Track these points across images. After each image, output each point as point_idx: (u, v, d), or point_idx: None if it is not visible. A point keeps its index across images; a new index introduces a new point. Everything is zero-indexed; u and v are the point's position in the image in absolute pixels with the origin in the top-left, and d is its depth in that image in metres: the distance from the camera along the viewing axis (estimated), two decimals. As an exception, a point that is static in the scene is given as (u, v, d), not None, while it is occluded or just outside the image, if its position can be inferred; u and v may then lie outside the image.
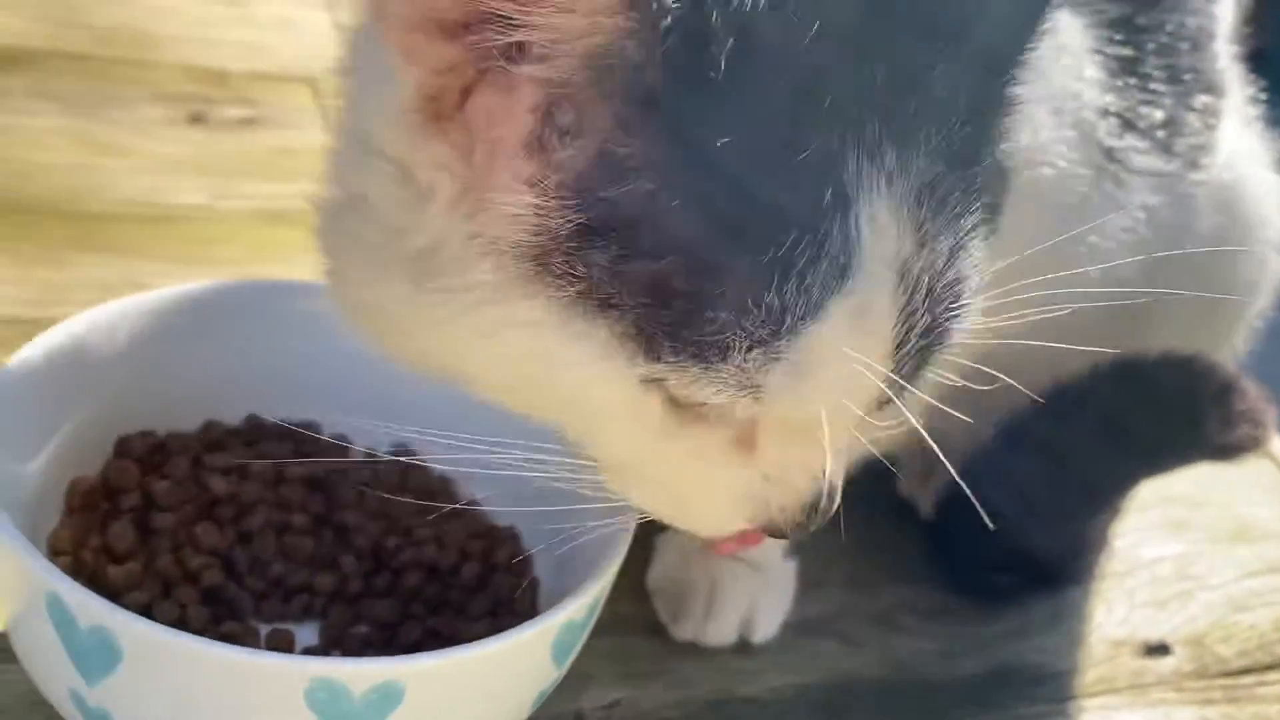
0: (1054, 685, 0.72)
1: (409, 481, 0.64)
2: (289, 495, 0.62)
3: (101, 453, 0.58)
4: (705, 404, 0.41)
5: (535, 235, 0.39)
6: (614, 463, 0.46)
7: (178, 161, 0.96)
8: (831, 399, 0.40)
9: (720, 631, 0.68)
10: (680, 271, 0.38)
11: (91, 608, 0.43)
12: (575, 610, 0.50)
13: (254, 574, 0.59)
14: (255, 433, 0.63)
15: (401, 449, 0.65)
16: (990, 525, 0.70)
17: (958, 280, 0.41)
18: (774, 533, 0.47)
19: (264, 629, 0.58)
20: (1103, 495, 0.72)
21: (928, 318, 0.41)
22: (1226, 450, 0.71)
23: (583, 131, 0.39)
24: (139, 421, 0.60)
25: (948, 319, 0.42)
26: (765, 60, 0.37)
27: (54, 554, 0.54)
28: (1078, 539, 0.74)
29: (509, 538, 0.63)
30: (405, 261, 0.42)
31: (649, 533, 0.71)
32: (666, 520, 0.49)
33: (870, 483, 0.75)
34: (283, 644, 0.56)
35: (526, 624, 0.48)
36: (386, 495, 0.62)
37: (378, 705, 0.44)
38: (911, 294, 0.40)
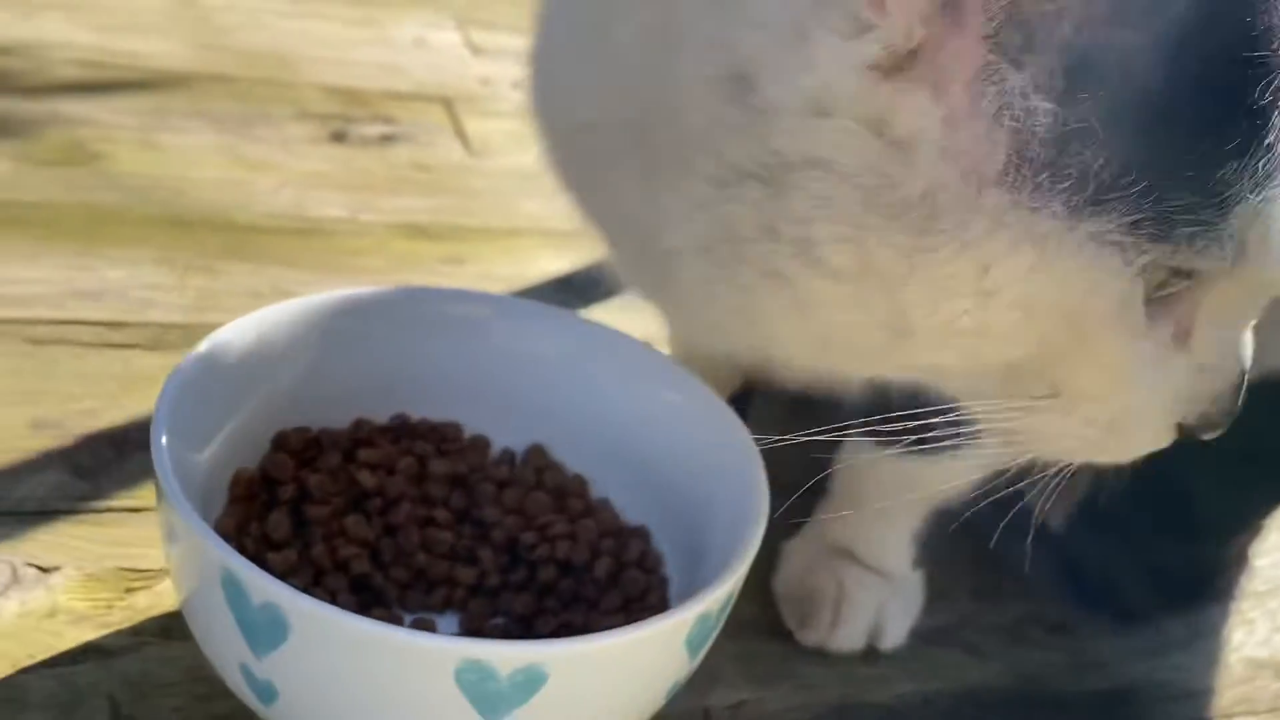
0: (1189, 704, 0.71)
1: (544, 480, 0.66)
2: (432, 491, 0.64)
3: (261, 447, 0.62)
4: (1182, 285, 0.44)
5: (1019, 155, 0.41)
6: (1075, 389, 0.46)
7: (320, 177, 1.00)
8: None
9: (848, 638, 0.68)
10: (1180, 140, 0.40)
11: (263, 585, 0.46)
12: (710, 603, 0.51)
13: (398, 565, 0.62)
14: (401, 430, 0.66)
15: (536, 449, 0.67)
16: (1123, 543, 0.71)
17: None
18: (1205, 427, 0.48)
19: (407, 618, 0.60)
20: (1240, 516, 0.71)
21: None
22: None
23: (1035, 46, 0.40)
24: (295, 418, 0.63)
25: None
26: None
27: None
28: (1214, 559, 0.72)
29: (639, 535, 0.65)
30: (898, 213, 0.42)
31: (774, 539, 0.72)
32: (1089, 457, 0.50)
33: (999, 495, 0.77)
34: (425, 631, 0.59)
35: (665, 614, 0.49)
36: (523, 492, 0.65)
37: (522, 687, 0.46)
38: None
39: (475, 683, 0.46)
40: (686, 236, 0.49)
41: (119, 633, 0.59)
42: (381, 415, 0.67)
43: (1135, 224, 0.42)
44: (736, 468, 0.60)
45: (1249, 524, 0.72)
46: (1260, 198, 0.42)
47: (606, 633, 0.48)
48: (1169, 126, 0.41)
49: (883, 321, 0.45)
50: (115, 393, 0.73)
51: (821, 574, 0.69)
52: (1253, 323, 0.49)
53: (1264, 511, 0.72)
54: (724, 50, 0.44)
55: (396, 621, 0.59)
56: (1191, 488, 0.70)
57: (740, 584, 0.55)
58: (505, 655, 0.45)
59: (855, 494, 0.70)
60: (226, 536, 0.56)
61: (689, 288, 0.51)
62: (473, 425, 0.68)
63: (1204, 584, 0.74)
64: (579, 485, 0.67)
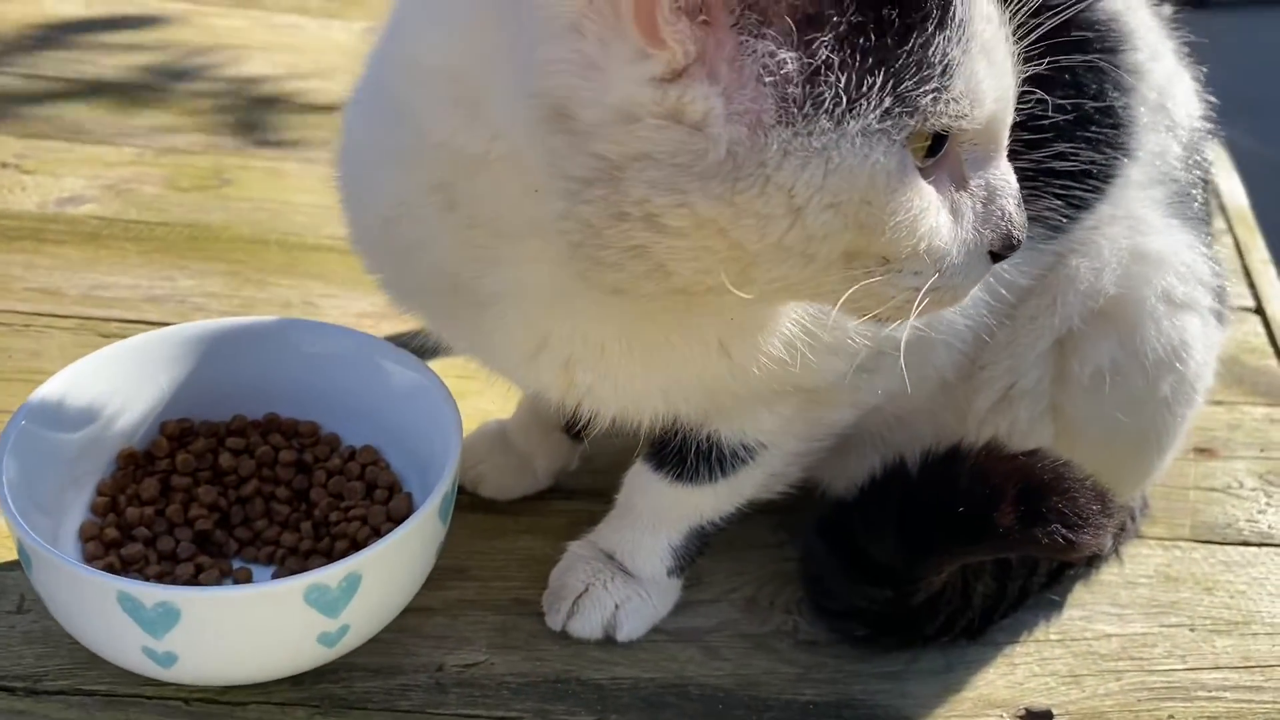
0: (889, 728, 0.79)
1: (365, 473, 0.86)
2: (279, 473, 0.86)
3: (150, 432, 0.86)
4: (943, 141, 0.57)
5: (783, 98, 0.53)
6: (897, 254, 0.57)
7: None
8: (1001, 91, 0.58)
9: (582, 627, 0.82)
10: (893, 39, 0.54)
11: (21, 533, 0.70)
12: (324, 577, 0.69)
13: (242, 526, 0.84)
14: (270, 426, 0.88)
15: (367, 448, 0.87)
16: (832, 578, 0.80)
17: None
18: (1009, 244, 0.61)
19: (236, 564, 0.82)
20: (905, 568, 0.77)
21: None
22: (1026, 547, 0.73)
23: (769, 19, 0.53)
24: (181, 411, 0.87)
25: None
26: None
27: (98, 494, 0.82)
28: (905, 604, 0.79)
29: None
30: (713, 173, 0.54)
31: (568, 536, 0.87)
32: (933, 308, 0.61)
33: (808, 515, 0.87)
34: (240, 577, 0.81)
35: (279, 580, 0.68)
36: (344, 481, 0.85)
37: (164, 617, 0.67)
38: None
39: (132, 609, 0.67)
40: (540, 256, 0.62)
41: (52, 551, 0.86)
42: (258, 414, 0.89)
43: (886, 111, 0.54)
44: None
45: (918, 575, 0.77)
46: (965, 54, 0.55)
47: (225, 587, 0.67)
48: (881, 33, 0.54)
49: (726, 257, 0.57)
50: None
51: (579, 572, 0.84)
52: (1004, 151, 0.61)
53: (925, 568, 0.77)
54: (535, 97, 0.55)
55: (225, 568, 0.81)
56: (863, 537, 0.78)
57: (364, 569, 0.71)
58: (146, 592, 0.66)
59: (628, 507, 0.84)
60: (104, 494, 0.81)
61: (514, 321, 0.67)
62: (329, 426, 0.89)
63: (893, 624, 0.80)
64: (390, 479, 0.86)
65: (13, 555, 0.84)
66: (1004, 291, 0.73)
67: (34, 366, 1.02)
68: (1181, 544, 0.93)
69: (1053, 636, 0.86)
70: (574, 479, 0.95)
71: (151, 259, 1.16)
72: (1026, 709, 0.81)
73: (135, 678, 0.76)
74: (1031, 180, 0.68)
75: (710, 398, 0.72)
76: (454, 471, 0.76)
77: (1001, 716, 0.80)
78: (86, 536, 0.80)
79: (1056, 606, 0.87)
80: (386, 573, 0.73)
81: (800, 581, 0.85)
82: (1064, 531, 0.70)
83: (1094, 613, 0.87)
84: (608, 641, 0.83)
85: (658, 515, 0.83)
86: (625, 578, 0.83)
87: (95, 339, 1.06)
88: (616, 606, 0.83)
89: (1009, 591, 0.81)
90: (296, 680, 0.77)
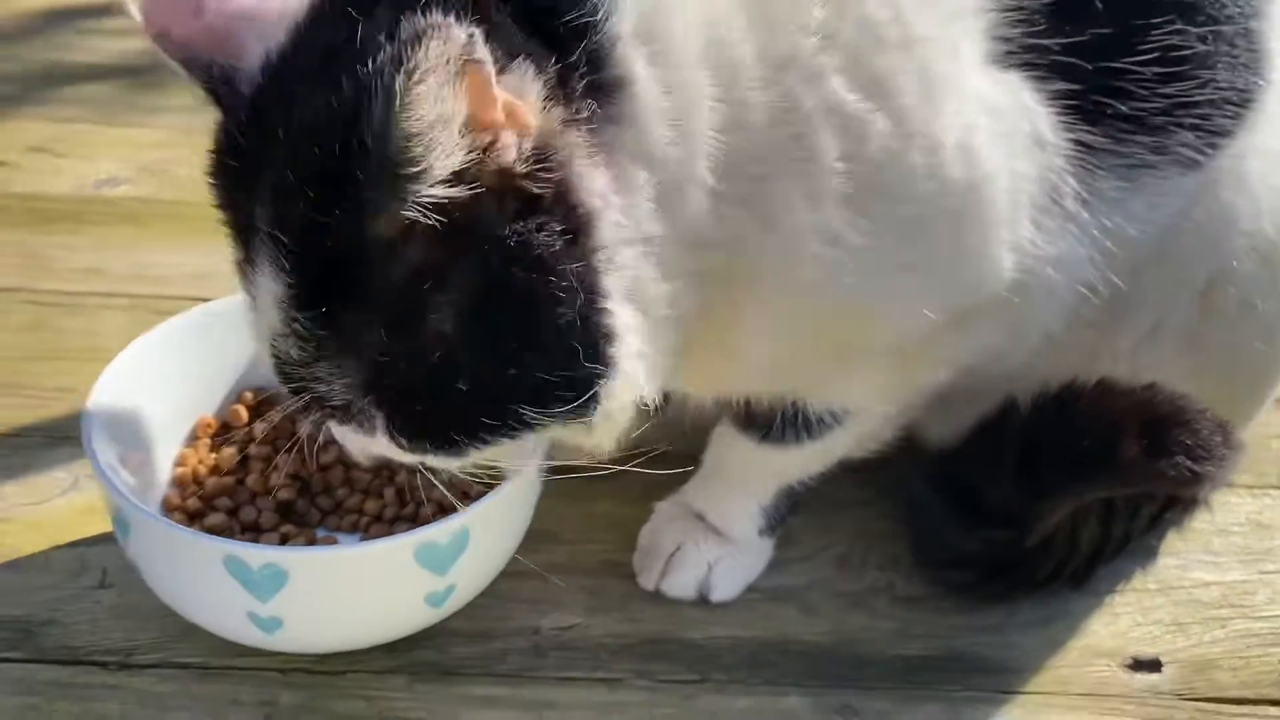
0: (999, 678, 0.78)
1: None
2: (358, 441, 0.84)
3: (227, 401, 0.84)
4: None
5: None
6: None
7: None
8: None
9: (676, 586, 0.81)
10: None
11: (122, 504, 0.68)
12: (435, 534, 0.67)
13: (324, 495, 0.82)
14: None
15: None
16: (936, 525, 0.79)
17: None
18: None
19: (320, 533, 0.80)
20: (1023, 509, 0.76)
21: None
22: (1150, 481, 0.72)
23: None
24: (257, 381, 0.85)
25: None
26: None
27: (177, 465, 0.80)
28: (1008, 547, 0.77)
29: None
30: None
31: (659, 496, 0.85)
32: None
33: (898, 471, 0.85)
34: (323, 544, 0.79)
35: (391, 538, 0.66)
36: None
37: (271, 579, 0.65)
38: None
39: (239, 570, 0.65)
40: None
41: (128, 527, 0.84)
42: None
43: None
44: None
45: (1036, 516, 0.76)
46: None
47: (336, 546, 0.65)
48: None
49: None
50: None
51: (670, 531, 0.82)
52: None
53: (1043, 509, 0.76)
54: None
55: (310, 536, 0.79)
56: (978, 480, 0.76)
57: (473, 525, 0.69)
58: (253, 553, 0.64)
59: (717, 468, 0.82)
60: (185, 466, 0.78)
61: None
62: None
63: (1009, 568, 0.79)
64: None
65: (90, 531, 0.83)
66: (1136, 234, 0.69)
67: (92, 345, 0.99)
68: (1271, 492, 0.92)
69: (1151, 585, 0.84)
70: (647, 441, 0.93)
71: (196, 238, 1.13)
72: (1134, 658, 0.79)
73: (229, 649, 0.74)
74: (1164, 114, 0.66)
75: (805, 374, 0.71)
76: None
77: (1109, 665, 0.79)
78: (170, 508, 0.78)
79: (1151, 555, 0.86)
80: (494, 529, 0.71)
81: (903, 534, 0.84)
82: (1188, 464, 0.69)
83: (1189, 561, 0.86)
84: (701, 602, 0.81)
85: (746, 476, 0.81)
86: (717, 537, 0.82)
87: (150, 316, 1.03)
88: (710, 566, 0.81)
89: (1113, 536, 0.80)
90: (390, 648, 0.75)
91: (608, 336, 0.57)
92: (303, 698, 0.73)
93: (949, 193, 0.62)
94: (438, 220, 0.52)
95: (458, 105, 0.49)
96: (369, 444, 0.62)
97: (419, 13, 0.49)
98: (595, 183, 0.55)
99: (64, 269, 1.08)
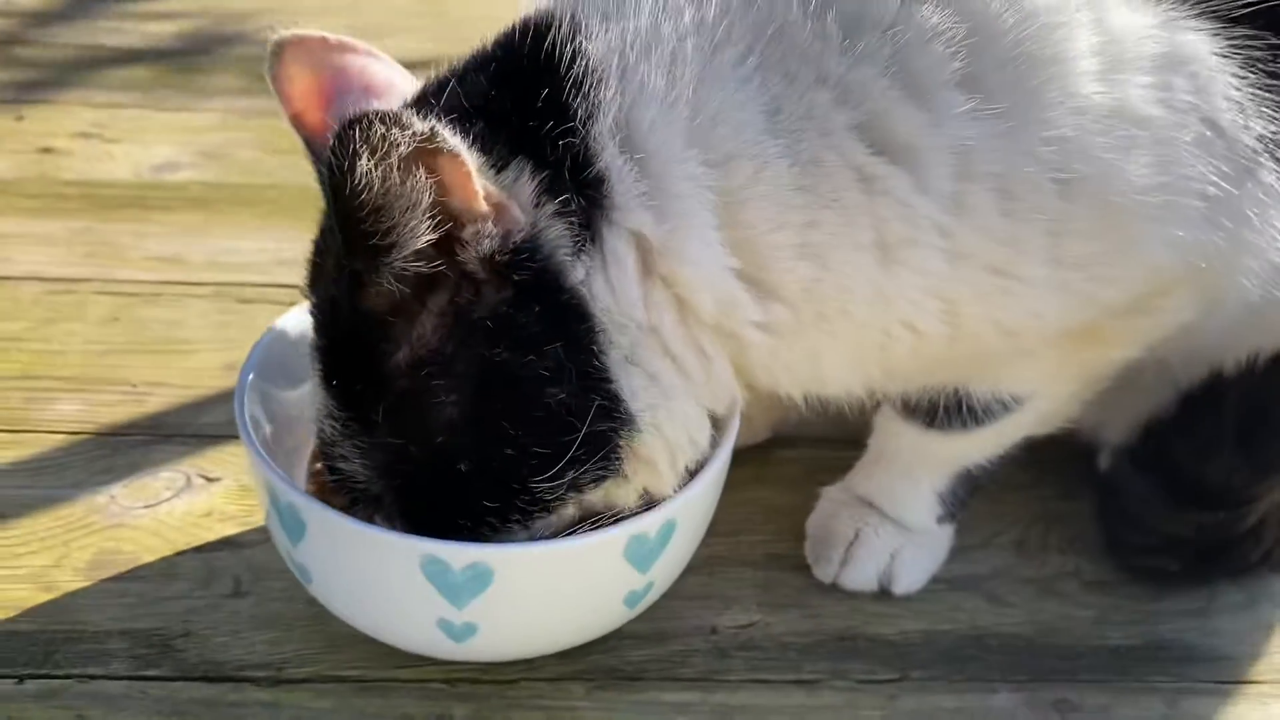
0: (1211, 667, 0.73)
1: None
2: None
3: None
4: None
5: None
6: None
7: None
8: None
9: (857, 578, 0.75)
10: None
11: (285, 489, 0.61)
12: (645, 526, 0.60)
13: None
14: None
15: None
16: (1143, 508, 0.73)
17: None
18: None
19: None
20: (1245, 486, 0.71)
21: None
22: None
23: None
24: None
25: None
26: None
27: (314, 460, 0.73)
28: (1225, 527, 0.72)
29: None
30: None
31: (817, 483, 0.79)
32: None
33: (1065, 454, 0.80)
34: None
35: (598, 532, 0.60)
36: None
37: (474, 580, 0.58)
38: None
39: (437, 574, 0.58)
40: None
41: (253, 530, 0.76)
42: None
43: None
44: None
45: (1256, 494, 0.71)
46: None
47: (545, 542, 0.59)
48: None
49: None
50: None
51: (844, 519, 0.76)
52: None
53: (1265, 485, 0.71)
54: None
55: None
56: (1193, 458, 0.71)
57: (682, 511, 0.63)
58: (456, 553, 0.58)
59: (883, 455, 0.76)
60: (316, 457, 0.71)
61: None
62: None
63: (1219, 552, 0.74)
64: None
65: (212, 535, 0.75)
66: None
67: (176, 336, 0.92)
68: None
69: (1347, 563, 0.80)
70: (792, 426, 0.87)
71: (269, 222, 1.07)
72: (1349, 640, 0.75)
73: (388, 659, 0.67)
74: None
75: (945, 372, 0.67)
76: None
77: (1323, 650, 0.74)
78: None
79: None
80: (695, 521, 0.65)
81: (1087, 517, 0.78)
82: None
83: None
84: (882, 594, 0.75)
85: (913, 462, 0.75)
86: (892, 526, 0.76)
87: (236, 305, 0.97)
88: (892, 556, 0.75)
89: (1320, 515, 0.75)
90: (564, 654, 0.69)
91: (613, 400, 0.58)
92: (475, 709, 0.67)
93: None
94: (425, 301, 0.56)
95: (417, 190, 0.53)
96: None
97: (410, 108, 0.56)
98: (578, 272, 0.57)
99: (138, 258, 1.01)
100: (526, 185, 0.56)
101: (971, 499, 0.77)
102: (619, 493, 0.61)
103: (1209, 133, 0.59)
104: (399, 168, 0.52)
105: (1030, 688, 0.70)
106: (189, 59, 1.34)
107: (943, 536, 0.77)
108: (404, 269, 0.54)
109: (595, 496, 0.61)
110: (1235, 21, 0.59)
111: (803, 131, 0.56)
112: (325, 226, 0.63)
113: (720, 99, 0.56)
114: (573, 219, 0.56)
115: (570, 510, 0.61)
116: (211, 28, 1.40)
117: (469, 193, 0.54)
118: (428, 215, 0.53)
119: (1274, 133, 0.60)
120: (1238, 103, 0.59)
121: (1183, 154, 0.58)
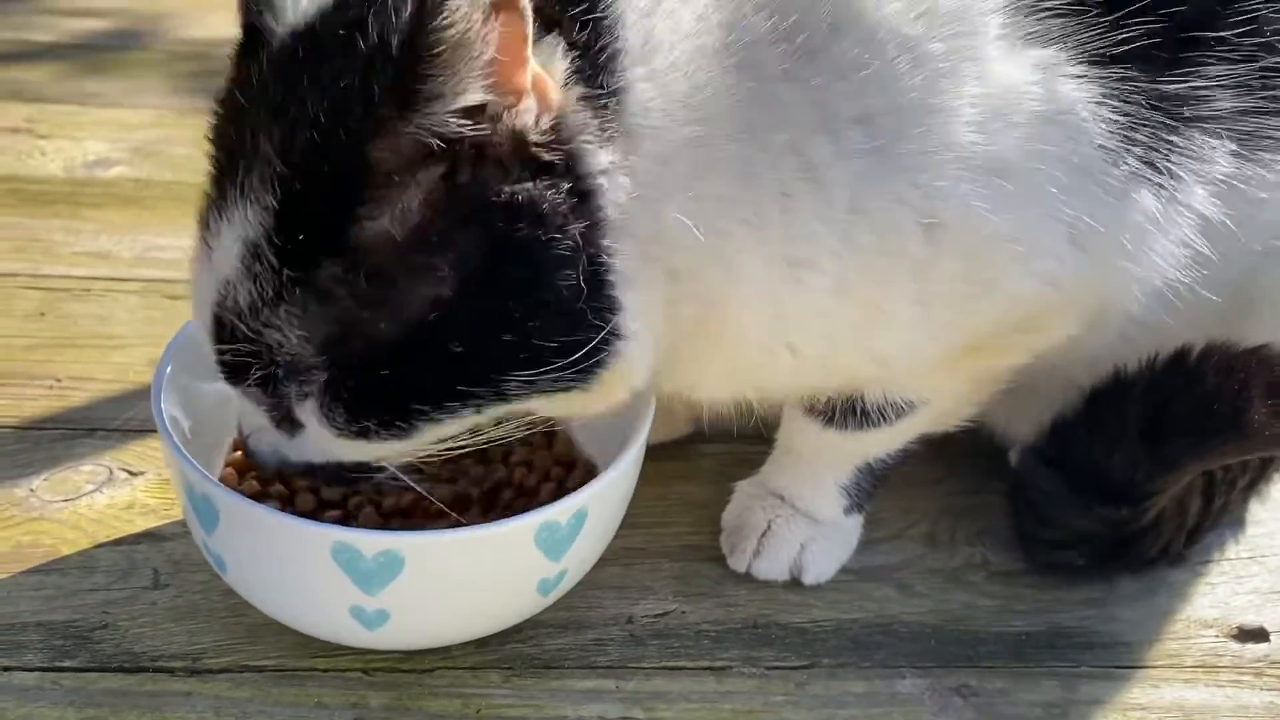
0: (1108, 653, 0.75)
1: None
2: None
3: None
4: None
5: None
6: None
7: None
8: None
9: (769, 568, 0.77)
10: None
11: (204, 483, 0.62)
12: (556, 514, 0.62)
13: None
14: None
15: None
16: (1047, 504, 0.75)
17: None
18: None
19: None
20: (1147, 481, 0.73)
21: None
22: (1276, 444, 0.70)
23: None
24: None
25: None
26: None
27: (234, 450, 0.74)
28: (1125, 522, 0.75)
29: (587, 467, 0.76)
30: None
31: (735, 477, 0.81)
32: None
33: (973, 450, 0.82)
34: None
35: (508, 519, 0.61)
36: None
37: (385, 568, 0.59)
38: None
39: (349, 561, 0.59)
40: None
41: (174, 524, 0.77)
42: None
43: None
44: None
45: (1158, 489, 0.74)
46: None
47: (455, 529, 0.60)
48: None
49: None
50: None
51: (757, 511, 0.78)
52: None
53: (1167, 480, 0.74)
54: None
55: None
56: (1098, 455, 0.73)
57: (595, 499, 0.65)
58: (367, 540, 0.59)
59: (789, 450, 0.79)
60: (239, 446, 0.72)
61: None
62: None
63: (1123, 547, 0.76)
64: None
65: (133, 528, 0.76)
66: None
67: (103, 332, 0.93)
68: (1344, 456, 0.91)
69: (1244, 554, 0.83)
70: (713, 422, 0.89)
71: (202, 220, 1.07)
72: (1239, 627, 0.77)
73: (306, 649, 0.68)
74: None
75: (833, 378, 0.68)
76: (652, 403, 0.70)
77: (1216, 636, 0.77)
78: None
79: (1238, 524, 0.84)
80: (607, 510, 0.66)
81: (997, 512, 0.81)
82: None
83: (1276, 529, 0.85)
84: (794, 584, 0.77)
85: (817, 457, 0.77)
86: (803, 518, 0.78)
87: (164, 301, 0.97)
88: (802, 546, 0.77)
89: (1214, 508, 0.78)
90: (480, 643, 0.70)
91: (613, 305, 0.56)
92: (392, 698, 0.68)
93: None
94: (416, 174, 0.52)
95: (485, 42, 0.50)
96: (289, 444, 0.60)
97: None
98: (602, 161, 0.55)
99: (67, 253, 1.01)
100: (561, 64, 0.54)
101: (877, 491, 0.79)
102: (556, 406, 0.59)
103: (1079, 178, 0.61)
104: (476, 14, 0.49)
105: (935, 673, 0.73)
106: (121, 54, 1.34)
107: (851, 527, 0.79)
108: (433, 126, 0.51)
109: (536, 405, 0.59)
110: (1114, 60, 0.61)
111: (761, 130, 0.57)
112: (314, 75, 0.54)
113: (709, 76, 0.57)
114: (599, 106, 0.55)
115: (492, 414, 0.58)
116: (143, 25, 1.41)
117: (520, 60, 0.51)
118: (481, 73, 0.50)
119: (1151, 160, 0.62)
120: (1109, 148, 0.61)
121: (1052, 200, 0.60)
